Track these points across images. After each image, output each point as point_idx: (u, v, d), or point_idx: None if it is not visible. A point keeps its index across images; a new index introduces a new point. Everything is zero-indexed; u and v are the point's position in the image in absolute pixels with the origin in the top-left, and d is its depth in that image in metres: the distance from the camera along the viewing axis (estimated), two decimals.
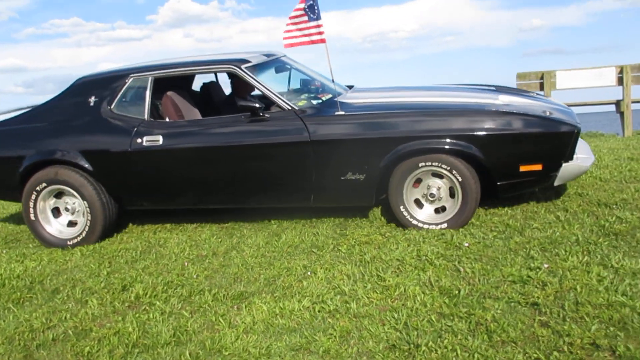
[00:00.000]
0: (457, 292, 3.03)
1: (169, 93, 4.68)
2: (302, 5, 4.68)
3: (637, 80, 8.39)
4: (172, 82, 4.71)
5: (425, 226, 4.05)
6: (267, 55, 4.87)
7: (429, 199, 4.07)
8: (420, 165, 3.97)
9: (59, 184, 4.44)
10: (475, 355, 2.45)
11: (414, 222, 4.07)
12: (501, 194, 4.08)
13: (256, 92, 4.76)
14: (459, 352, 2.49)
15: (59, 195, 4.57)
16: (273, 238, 4.20)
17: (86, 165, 4.39)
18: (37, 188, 4.47)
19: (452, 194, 4.03)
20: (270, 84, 4.35)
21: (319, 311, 3.00)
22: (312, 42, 4.76)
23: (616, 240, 3.50)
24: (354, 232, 4.16)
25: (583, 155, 4.12)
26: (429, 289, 3.11)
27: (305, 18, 4.71)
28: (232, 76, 4.97)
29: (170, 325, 3.02)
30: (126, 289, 3.55)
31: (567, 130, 3.89)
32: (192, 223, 4.83)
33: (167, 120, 4.57)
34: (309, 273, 3.50)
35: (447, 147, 3.89)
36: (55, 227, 4.60)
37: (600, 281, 2.96)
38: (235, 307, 3.17)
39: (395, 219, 4.20)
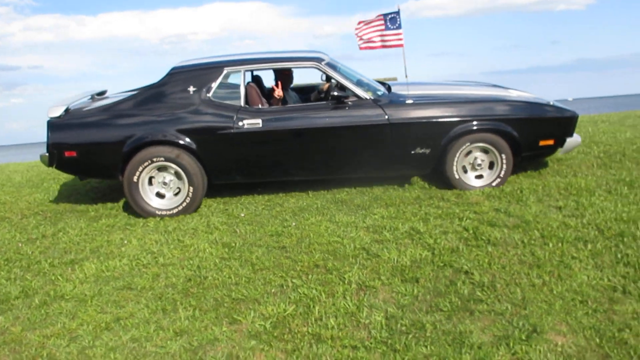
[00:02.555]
0: (234, 244, 4.39)
1: (252, 84, 5.56)
2: (382, 16, 6.16)
3: None
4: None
5: (474, 188, 5.24)
6: (326, 54, 5.84)
7: (475, 167, 5.29)
8: (472, 141, 5.18)
9: (168, 160, 5.11)
10: (243, 278, 3.81)
11: (467, 186, 5.27)
12: (523, 162, 5.43)
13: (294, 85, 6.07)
14: (232, 277, 3.84)
15: (149, 180, 5.20)
16: (93, 221, 5.21)
17: (190, 145, 5.13)
18: (145, 164, 5.11)
19: (490, 167, 5.29)
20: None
21: (135, 265, 4.15)
22: (391, 46, 6.05)
23: (341, 205, 5.16)
24: None
25: (576, 134, 5.48)
26: (215, 245, 4.43)
27: (382, 26, 6.09)
28: (278, 72, 5.83)
29: (17, 286, 3.94)
30: None
31: (573, 115, 5.34)
32: (16, 215, 5.61)
33: (260, 106, 5.37)
34: (125, 242, 4.62)
35: (494, 127, 5.15)
36: (156, 200, 5.25)
37: (326, 230, 4.52)
38: (69, 269, 4.19)
39: None
